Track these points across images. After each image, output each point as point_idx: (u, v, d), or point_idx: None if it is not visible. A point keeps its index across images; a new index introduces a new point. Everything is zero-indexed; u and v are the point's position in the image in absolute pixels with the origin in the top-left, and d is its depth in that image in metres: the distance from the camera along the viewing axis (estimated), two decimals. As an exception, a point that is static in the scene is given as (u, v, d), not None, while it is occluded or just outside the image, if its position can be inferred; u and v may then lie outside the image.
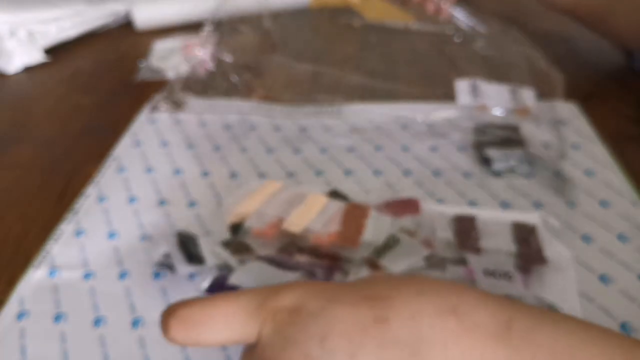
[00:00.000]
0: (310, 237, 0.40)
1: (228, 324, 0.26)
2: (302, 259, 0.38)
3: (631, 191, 0.45)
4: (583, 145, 0.50)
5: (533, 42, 0.60)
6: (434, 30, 0.76)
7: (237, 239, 0.41)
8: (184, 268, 0.39)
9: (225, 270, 0.38)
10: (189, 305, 0.26)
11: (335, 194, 0.45)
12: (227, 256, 0.39)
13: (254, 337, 0.26)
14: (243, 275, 0.37)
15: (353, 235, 0.40)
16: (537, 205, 0.44)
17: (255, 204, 0.43)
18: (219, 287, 0.36)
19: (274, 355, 0.25)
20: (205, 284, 0.37)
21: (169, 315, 0.26)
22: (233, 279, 0.36)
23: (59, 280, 0.41)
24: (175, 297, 0.38)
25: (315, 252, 0.39)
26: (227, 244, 0.40)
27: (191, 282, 0.39)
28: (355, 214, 0.42)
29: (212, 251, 0.39)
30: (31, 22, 0.77)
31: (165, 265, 0.39)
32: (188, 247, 0.40)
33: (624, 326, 0.34)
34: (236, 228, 0.42)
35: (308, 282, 0.27)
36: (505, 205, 0.45)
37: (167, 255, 0.39)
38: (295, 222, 0.41)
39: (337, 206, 0.43)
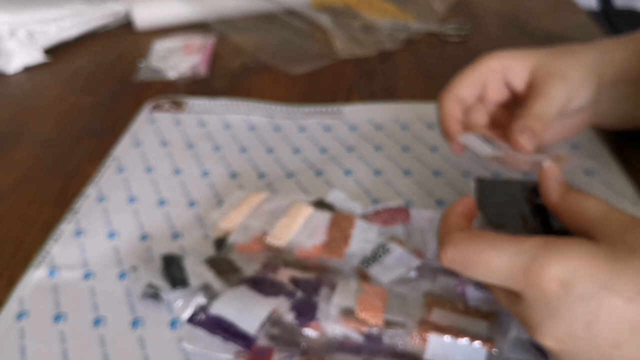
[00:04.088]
0: (295, 250, 0.39)
1: (490, 273, 0.28)
2: (287, 272, 0.38)
3: (631, 191, 0.45)
4: (583, 145, 0.50)
5: (533, 42, 0.60)
6: (434, 29, 0.76)
7: (222, 256, 0.40)
8: (169, 295, 0.38)
9: (208, 292, 0.37)
10: (459, 249, 0.29)
11: (320, 204, 0.44)
12: (211, 278, 0.38)
13: (515, 290, 0.28)
14: (224, 304, 0.36)
15: (338, 247, 0.39)
16: (537, 205, 0.44)
17: (239, 217, 0.43)
18: (201, 319, 0.36)
19: (538, 321, 0.28)
20: (186, 314, 0.36)
21: (444, 248, 0.30)
22: (214, 309, 0.36)
23: (58, 280, 0.41)
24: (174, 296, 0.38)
25: (301, 264, 0.39)
26: (211, 262, 0.39)
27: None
28: (341, 225, 0.41)
29: (197, 272, 0.39)
30: (31, 22, 0.77)
31: (150, 295, 0.38)
32: (172, 270, 0.39)
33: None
34: (220, 243, 0.42)
35: (581, 249, 0.27)
36: (505, 205, 0.45)
37: (150, 286, 0.38)
38: (279, 236, 0.40)
39: (323, 217, 0.42)
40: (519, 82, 0.42)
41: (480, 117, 0.43)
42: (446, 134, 0.43)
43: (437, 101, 0.43)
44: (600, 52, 0.43)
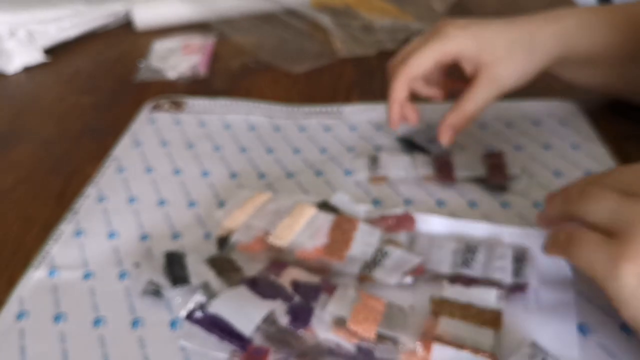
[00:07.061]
0: (296, 251, 0.39)
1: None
2: (293, 272, 0.38)
3: (631, 191, 0.45)
4: (583, 145, 0.50)
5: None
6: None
7: (223, 255, 0.40)
8: (169, 293, 0.38)
9: (207, 291, 0.37)
10: None
11: (325, 206, 0.44)
12: (211, 277, 0.38)
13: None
14: (222, 303, 0.36)
15: (339, 249, 0.39)
16: (537, 205, 0.44)
17: (243, 216, 0.43)
18: (198, 316, 0.36)
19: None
20: (184, 312, 0.36)
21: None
22: (212, 308, 0.36)
23: (58, 281, 0.41)
24: (174, 296, 0.38)
25: (301, 265, 0.39)
26: (212, 261, 0.40)
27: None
28: (343, 227, 0.41)
29: (198, 270, 0.39)
30: (31, 22, 0.77)
31: (151, 293, 0.39)
32: (174, 268, 0.39)
33: (623, 326, 0.34)
34: (223, 242, 0.42)
35: None
36: (505, 205, 0.45)
37: (150, 283, 0.39)
38: (281, 235, 0.40)
39: (325, 218, 0.42)
40: (470, 66, 0.47)
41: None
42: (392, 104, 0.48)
43: (389, 71, 0.49)
44: (553, 29, 0.47)
